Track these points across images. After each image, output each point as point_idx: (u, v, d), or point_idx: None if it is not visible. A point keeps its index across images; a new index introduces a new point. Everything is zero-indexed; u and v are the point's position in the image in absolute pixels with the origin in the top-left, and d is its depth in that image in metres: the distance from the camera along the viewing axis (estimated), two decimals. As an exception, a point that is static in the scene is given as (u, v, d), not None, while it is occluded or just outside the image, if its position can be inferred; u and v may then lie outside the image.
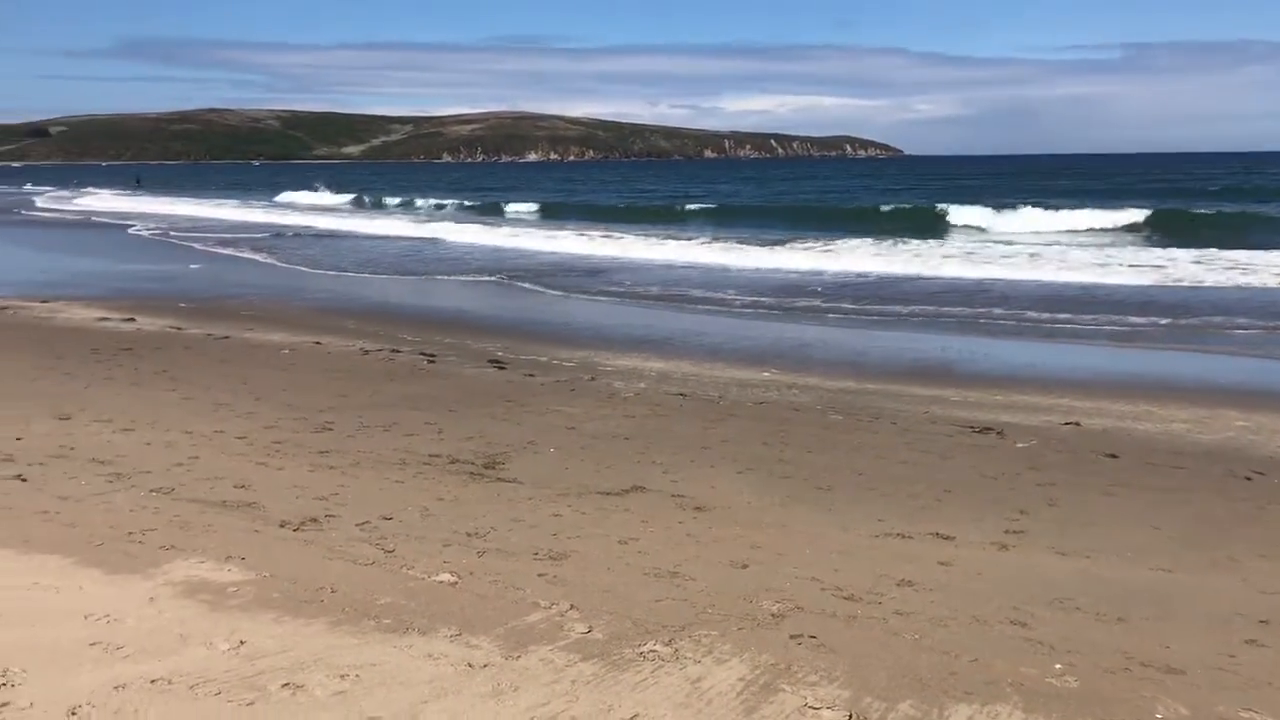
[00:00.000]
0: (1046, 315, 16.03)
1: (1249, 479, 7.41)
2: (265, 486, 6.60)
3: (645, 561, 5.38)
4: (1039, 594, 5.05)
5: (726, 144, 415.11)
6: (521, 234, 34.98)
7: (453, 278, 22.64)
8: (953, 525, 6.19)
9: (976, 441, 8.45)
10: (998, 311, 16.48)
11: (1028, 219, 35.89)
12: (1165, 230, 32.39)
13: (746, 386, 10.78)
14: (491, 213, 52.07)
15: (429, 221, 40.44)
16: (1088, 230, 33.49)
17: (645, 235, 33.58)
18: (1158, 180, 68.34)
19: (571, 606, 4.62)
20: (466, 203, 58.20)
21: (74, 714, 3.50)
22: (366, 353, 12.50)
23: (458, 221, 41.33)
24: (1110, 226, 33.97)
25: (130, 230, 37.71)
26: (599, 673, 3.96)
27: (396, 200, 61.36)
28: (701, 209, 48.70)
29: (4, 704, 3.53)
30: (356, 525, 5.84)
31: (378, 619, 4.39)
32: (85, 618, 4.28)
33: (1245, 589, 5.25)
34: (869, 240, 29.68)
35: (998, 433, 8.72)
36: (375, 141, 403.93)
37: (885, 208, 42.80)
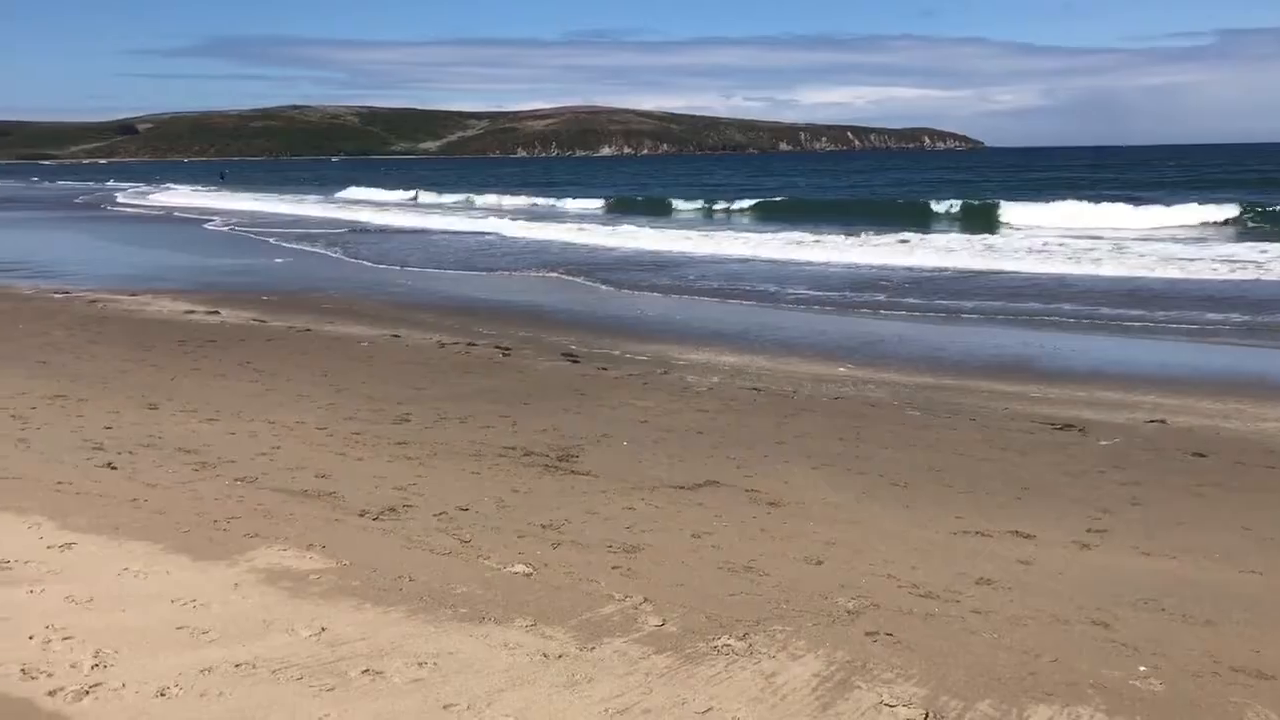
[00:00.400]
0: (1132, 311, 15.61)
1: (1345, 480, 7.14)
2: (345, 476, 6.73)
3: (719, 556, 5.37)
4: (1123, 595, 4.93)
5: (802, 137, 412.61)
6: (589, 229, 35.07)
7: (524, 272, 22.79)
8: (1033, 523, 6.07)
9: (1057, 439, 8.27)
10: (1070, 308, 16.00)
11: (1109, 214, 34.91)
12: (1258, 224, 31.38)
13: (821, 381, 10.70)
14: (561, 208, 52.36)
15: (499, 218, 40.59)
16: (1179, 225, 32.47)
17: (713, 231, 33.47)
18: (1251, 170, 66.21)
19: (645, 599, 4.62)
20: (537, 199, 58.55)
21: (162, 694, 3.60)
22: (443, 346, 12.66)
23: (529, 218, 41.45)
24: (1196, 222, 32.92)
25: (207, 226, 38.59)
26: (673, 666, 3.96)
27: (466, 196, 61.90)
28: (768, 202, 48.55)
29: (97, 684, 3.65)
30: (434, 515, 5.92)
31: (454, 608, 4.45)
32: (172, 602, 4.41)
33: (1341, 594, 5.06)
34: (940, 235, 29.23)
35: (1079, 430, 8.52)
36: (452, 137, 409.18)
37: (958, 201, 42.01)
